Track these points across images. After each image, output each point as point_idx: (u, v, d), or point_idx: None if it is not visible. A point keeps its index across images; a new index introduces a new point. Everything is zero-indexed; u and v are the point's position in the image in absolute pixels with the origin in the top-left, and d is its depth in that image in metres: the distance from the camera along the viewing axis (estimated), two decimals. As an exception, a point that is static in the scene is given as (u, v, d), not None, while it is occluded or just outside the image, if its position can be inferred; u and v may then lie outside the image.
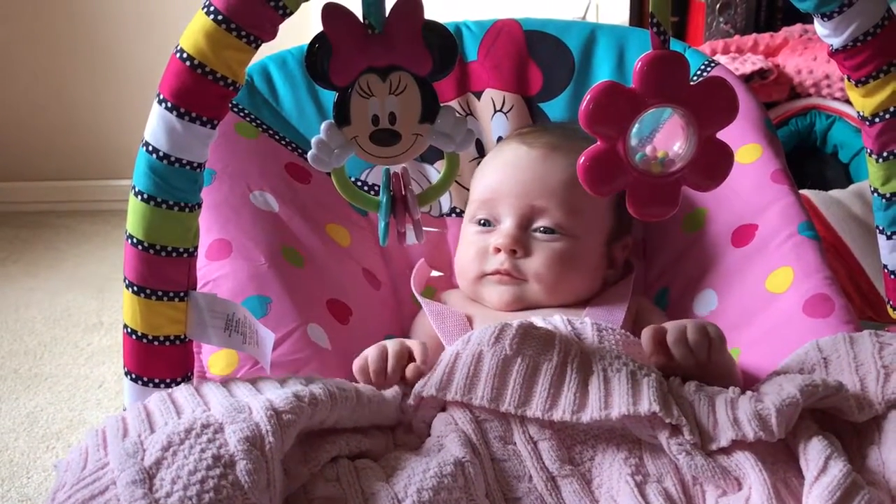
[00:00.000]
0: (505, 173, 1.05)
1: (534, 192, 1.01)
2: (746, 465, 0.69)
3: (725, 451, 0.71)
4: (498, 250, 1.01)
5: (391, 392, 0.82)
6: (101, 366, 1.60)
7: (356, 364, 0.87)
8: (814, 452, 0.68)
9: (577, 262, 1.02)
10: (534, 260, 1.00)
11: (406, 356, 0.86)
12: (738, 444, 0.71)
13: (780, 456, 0.71)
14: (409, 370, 0.85)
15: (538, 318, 0.90)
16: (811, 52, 1.57)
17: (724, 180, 0.72)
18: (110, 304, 1.85)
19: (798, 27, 1.69)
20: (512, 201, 1.02)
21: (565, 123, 1.14)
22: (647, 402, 0.72)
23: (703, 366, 0.82)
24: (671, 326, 0.85)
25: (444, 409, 0.81)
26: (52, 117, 2.43)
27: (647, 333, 0.85)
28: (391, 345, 0.87)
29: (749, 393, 0.75)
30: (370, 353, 0.87)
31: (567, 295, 1.02)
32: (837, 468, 0.65)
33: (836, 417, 0.75)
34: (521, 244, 1.01)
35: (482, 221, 1.05)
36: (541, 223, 1.01)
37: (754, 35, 1.68)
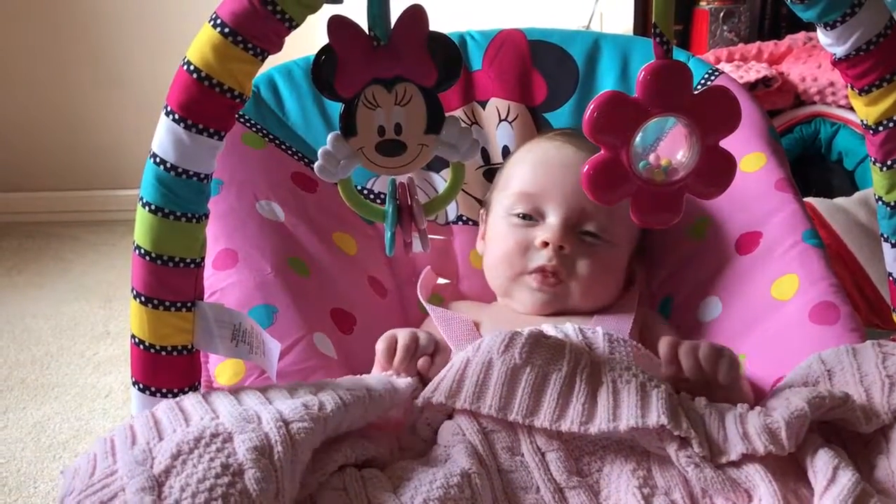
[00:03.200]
0: (552, 168, 1.04)
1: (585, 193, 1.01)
2: (756, 477, 0.69)
3: (735, 463, 0.71)
4: (545, 245, 1.00)
5: (404, 383, 0.82)
6: (107, 375, 1.60)
7: (382, 343, 0.87)
8: (821, 463, 0.68)
9: (613, 269, 1.03)
10: (579, 262, 1.00)
11: (431, 350, 0.87)
12: (748, 457, 0.70)
13: (789, 468, 0.71)
14: (421, 364, 0.85)
15: (549, 327, 0.90)
16: (815, 60, 1.58)
17: (726, 188, 0.72)
18: (117, 314, 1.86)
19: (802, 35, 1.69)
20: (561, 199, 1.01)
21: None
22: (656, 415, 0.72)
23: (712, 384, 0.82)
24: (686, 347, 0.84)
25: (451, 415, 0.81)
26: (59, 128, 2.44)
27: (664, 342, 0.85)
28: (422, 335, 0.87)
29: (758, 408, 0.74)
30: (401, 336, 0.87)
31: (595, 301, 1.02)
32: (846, 477, 0.65)
33: (843, 429, 0.74)
34: (569, 242, 1.00)
35: (523, 215, 1.03)
36: (588, 226, 1.01)
37: (758, 43, 1.69)
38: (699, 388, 0.82)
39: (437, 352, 0.87)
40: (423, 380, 0.85)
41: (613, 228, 1.01)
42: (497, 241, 1.05)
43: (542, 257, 1.00)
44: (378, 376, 0.82)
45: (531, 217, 1.02)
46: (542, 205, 1.02)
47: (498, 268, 1.04)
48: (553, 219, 1.01)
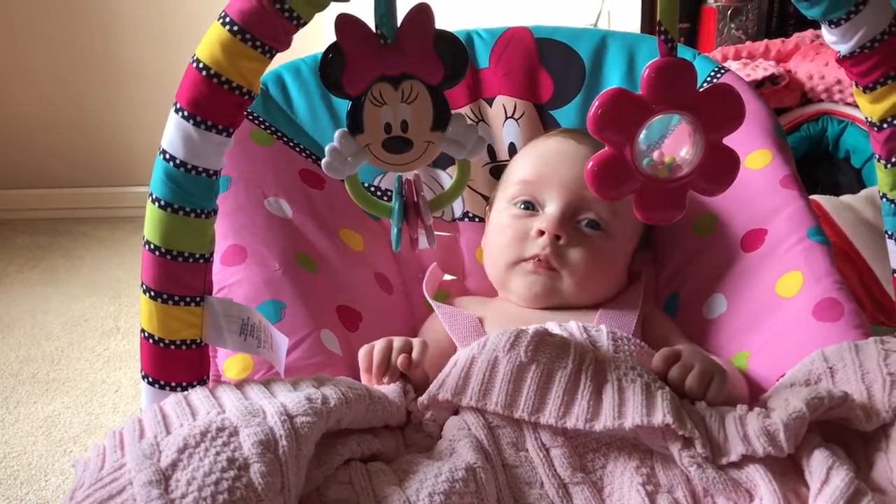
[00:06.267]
0: (552, 161, 1.04)
1: (584, 183, 1.01)
2: (756, 477, 0.70)
3: (736, 463, 0.71)
4: (541, 233, 1.01)
5: (394, 393, 0.83)
6: (117, 370, 1.61)
7: (362, 351, 0.88)
8: (816, 464, 0.68)
9: (611, 262, 1.03)
10: (575, 251, 1.01)
11: (409, 350, 0.87)
12: (749, 457, 0.71)
13: (790, 467, 0.71)
14: (401, 360, 0.85)
15: (554, 325, 0.91)
16: (822, 58, 1.57)
17: (729, 185, 0.72)
18: (126, 310, 1.87)
19: (810, 33, 1.69)
20: (560, 187, 1.02)
21: None
22: (661, 414, 0.73)
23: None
24: (680, 363, 0.83)
25: (456, 412, 0.82)
26: (70, 126, 2.46)
27: (658, 357, 0.85)
28: (396, 340, 0.88)
29: (757, 409, 0.75)
30: (377, 343, 0.88)
31: (592, 294, 1.03)
32: (839, 477, 0.66)
33: (844, 427, 0.75)
34: (566, 231, 1.00)
35: (523, 204, 1.04)
36: (586, 215, 1.02)
37: (766, 41, 1.69)
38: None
39: (413, 350, 0.87)
40: (408, 381, 0.86)
41: (614, 220, 1.02)
42: (497, 231, 1.06)
43: (537, 245, 1.01)
44: (374, 387, 0.83)
45: (531, 206, 1.03)
46: (542, 194, 1.03)
47: (496, 256, 1.05)
48: (551, 208, 1.01)
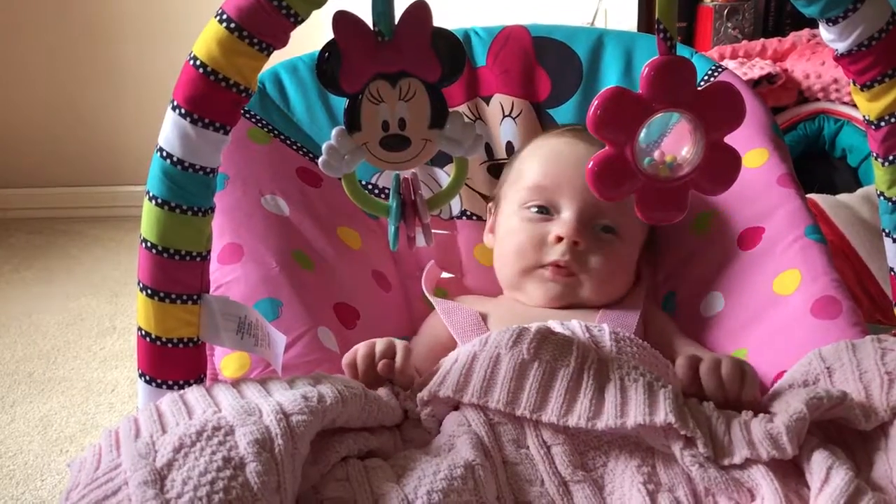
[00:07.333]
0: (566, 164, 1.03)
1: None
2: (758, 476, 0.70)
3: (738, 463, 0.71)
4: (559, 239, 1.00)
5: (386, 396, 0.82)
6: (113, 370, 1.61)
7: (345, 359, 0.87)
8: (816, 464, 0.68)
9: (626, 265, 1.04)
10: (594, 257, 1.01)
11: (391, 355, 0.86)
12: (751, 459, 0.71)
13: (791, 467, 0.71)
14: (380, 367, 0.84)
15: (556, 323, 0.90)
16: (819, 57, 1.58)
17: (731, 184, 0.72)
18: (123, 309, 1.87)
19: (806, 32, 1.69)
20: (576, 193, 1.01)
21: None
22: (664, 413, 0.72)
23: (733, 402, 0.79)
24: (707, 357, 0.83)
25: (456, 407, 0.81)
26: (66, 124, 2.45)
27: (682, 362, 0.84)
28: (380, 343, 0.87)
29: (760, 415, 0.74)
30: (360, 348, 0.87)
31: (608, 296, 1.03)
32: (839, 476, 0.66)
33: (843, 427, 0.75)
34: (584, 237, 1.00)
35: (538, 209, 1.03)
36: (602, 221, 1.01)
37: (762, 40, 1.69)
38: (717, 404, 0.79)
39: (397, 356, 0.86)
40: (397, 384, 0.85)
41: (625, 223, 1.02)
42: (510, 235, 1.05)
43: (556, 252, 1.00)
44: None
45: (546, 211, 1.03)
46: (557, 199, 1.02)
47: (510, 261, 1.04)
48: (567, 213, 1.01)
